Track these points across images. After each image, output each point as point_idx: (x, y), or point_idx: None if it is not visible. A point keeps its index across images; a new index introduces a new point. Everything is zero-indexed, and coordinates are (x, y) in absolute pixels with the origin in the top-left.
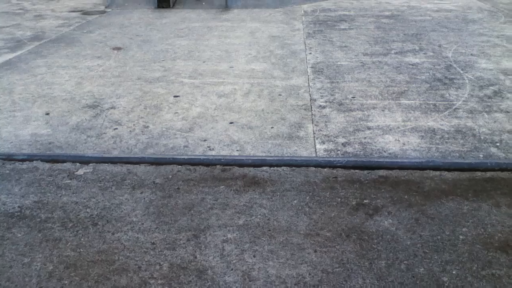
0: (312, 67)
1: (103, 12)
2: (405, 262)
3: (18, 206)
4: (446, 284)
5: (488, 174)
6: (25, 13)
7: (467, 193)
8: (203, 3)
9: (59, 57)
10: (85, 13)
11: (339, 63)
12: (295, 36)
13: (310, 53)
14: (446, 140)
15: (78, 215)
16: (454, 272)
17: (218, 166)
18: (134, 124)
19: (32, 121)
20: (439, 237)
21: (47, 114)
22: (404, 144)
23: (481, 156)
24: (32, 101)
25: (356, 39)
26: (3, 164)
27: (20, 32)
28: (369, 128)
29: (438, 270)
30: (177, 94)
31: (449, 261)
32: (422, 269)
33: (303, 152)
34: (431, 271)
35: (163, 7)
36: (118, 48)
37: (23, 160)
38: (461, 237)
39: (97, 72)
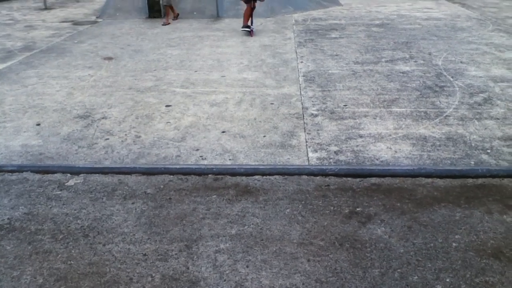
0: (303, 76)
1: (94, 22)
2: (398, 270)
3: (8, 218)
4: None
5: (480, 181)
6: (16, 23)
7: (459, 200)
8: (194, 13)
9: (50, 68)
10: (76, 23)
11: (330, 71)
12: (286, 45)
13: (302, 62)
14: (438, 148)
15: (69, 226)
16: (447, 280)
17: (210, 175)
18: (125, 134)
19: (22, 132)
20: (432, 245)
21: (38, 124)
22: (396, 151)
23: (472, 163)
24: (22, 112)
25: (347, 48)
26: None
27: (11, 42)
28: (361, 136)
29: (432, 278)
30: (169, 104)
31: (442, 269)
32: (416, 277)
33: (295, 160)
34: (424, 279)
35: (154, 17)
36: (110, 58)
37: (12, 171)
38: (454, 244)
39: (88, 82)
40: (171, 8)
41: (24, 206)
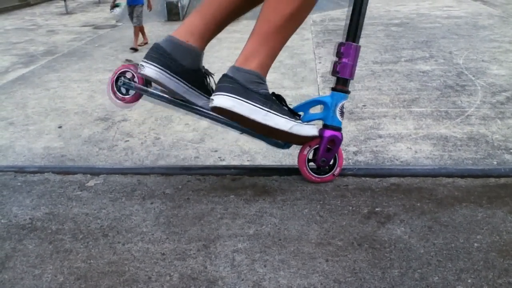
0: (322, 76)
1: (114, 26)
2: (418, 271)
3: (30, 218)
4: None
5: (502, 180)
6: (38, 28)
7: (481, 200)
8: None
9: (71, 71)
10: (97, 27)
11: None
12: (304, 45)
13: (320, 63)
14: (459, 148)
15: (89, 226)
16: (469, 281)
17: (228, 175)
18: (145, 136)
19: (45, 135)
20: (453, 245)
21: (60, 127)
22: (416, 152)
23: (495, 163)
24: (45, 115)
25: (365, 48)
26: (15, 176)
27: (34, 47)
28: (380, 137)
29: (453, 278)
30: None
31: (463, 270)
32: (436, 277)
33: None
34: (445, 280)
35: (173, 20)
36: (129, 61)
37: (34, 172)
38: (475, 244)
39: None
40: (141, 31)
41: (46, 206)
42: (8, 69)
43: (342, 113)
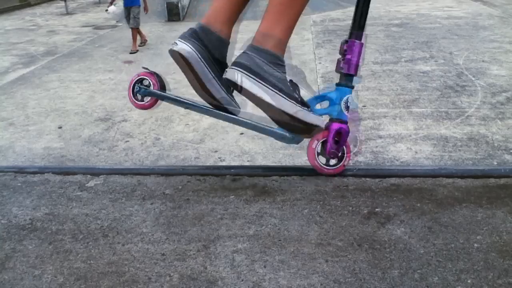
0: (322, 77)
1: (114, 26)
2: (418, 271)
3: (30, 218)
4: None
5: (502, 180)
6: (39, 29)
7: (481, 200)
8: None
9: (71, 72)
10: (97, 27)
11: None
12: (304, 46)
13: (320, 63)
14: (459, 148)
15: (89, 226)
16: (469, 281)
17: (228, 176)
18: (145, 136)
19: (45, 135)
20: (453, 246)
21: (60, 127)
22: (416, 152)
23: (495, 163)
24: (45, 115)
25: (366, 48)
26: (15, 177)
27: (34, 47)
28: (380, 137)
29: (453, 279)
30: None
31: (463, 270)
32: (436, 278)
33: None
34: (445, 280)
35: (173, 20)
36: (129, 62)
37: (34, 173)
38: (475, 245)
39: (108, 86)
40: (139, 32)
41: (46, 206)
42: (8, 69)
43: (347, 107)
